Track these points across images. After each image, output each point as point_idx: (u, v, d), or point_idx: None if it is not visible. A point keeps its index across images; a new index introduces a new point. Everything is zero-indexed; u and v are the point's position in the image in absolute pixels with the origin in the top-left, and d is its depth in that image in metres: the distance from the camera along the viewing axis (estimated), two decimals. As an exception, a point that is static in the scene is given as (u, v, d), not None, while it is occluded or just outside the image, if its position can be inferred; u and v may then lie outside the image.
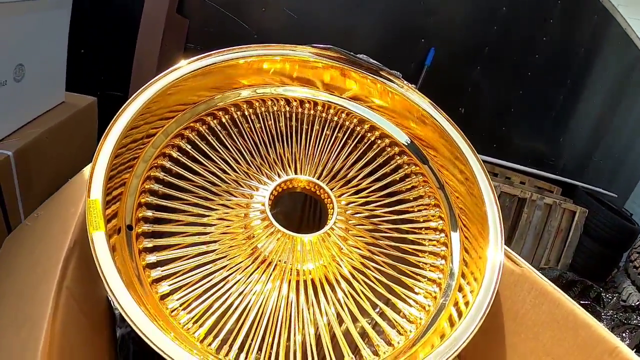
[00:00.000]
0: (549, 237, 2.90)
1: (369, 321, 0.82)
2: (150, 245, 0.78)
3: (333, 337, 0.77)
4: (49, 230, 0.83)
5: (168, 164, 0.87)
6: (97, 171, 0.72)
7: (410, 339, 0.79)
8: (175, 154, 0.88)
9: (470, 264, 0.87)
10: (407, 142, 0.99)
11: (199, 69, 0.90)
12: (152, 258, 0.77)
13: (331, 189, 0.87)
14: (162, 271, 0.76)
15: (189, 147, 0.90)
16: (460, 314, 0.78)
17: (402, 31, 2.11)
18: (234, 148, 0.91)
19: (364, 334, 0.81)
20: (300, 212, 1.05)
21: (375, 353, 0.77)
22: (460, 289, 0.85)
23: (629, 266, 2.47)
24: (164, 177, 0.86)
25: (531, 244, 2.83)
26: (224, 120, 0.94)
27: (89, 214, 0.67)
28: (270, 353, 0.73)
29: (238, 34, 1.94)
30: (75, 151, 1.50)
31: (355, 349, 0.78)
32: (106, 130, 0.78)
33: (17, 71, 1.13)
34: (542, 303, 0.93)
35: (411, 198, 0.95)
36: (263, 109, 0.97)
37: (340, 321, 0.79)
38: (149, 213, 0.82)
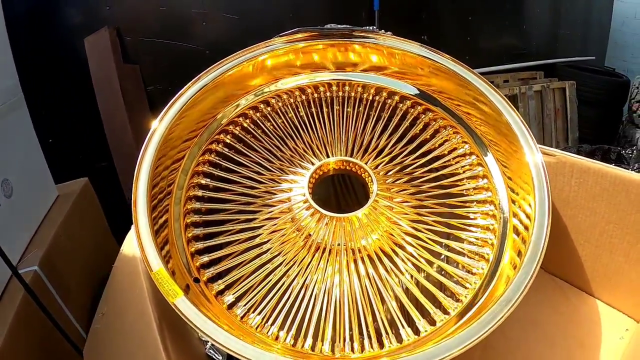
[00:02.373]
0: (550, 121, 2.94)
1: (443, 259, 0.85)
2: (222, 286, 0.80)
3: (423, 289, 0.80)
4: (127, 320, 0.82)
5: (198, 205, 0.88)
6: (146, 245, 0.73)
7: (491, 261, 0.81)
8: (203, 181, 0.90)
9: (514, 178, 0.89)
10: (415, 93, 1.00)
11: (192, 97, 0.89)
12: (230, 298, 0.79)
13: (365, 163, 0.88)
14: (244, 305, 0.78)
15: (213, 169, 0.91)
16: (527, 227, 0.79)
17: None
18: (255, 155, 0.93)
19: (446, 275, 0.84)
20: (333, 194, 1.07)
21: (464, 286, 0.80)
22: (514, 202, 0.87)
23: (633, 117, 2.52)
24: (200, 219, 0.87)
25: (537, 133, 2.87)
26: (236, 132, 0.95)
27: (161, 286, 0.68)
28: (377, 325, 0.76)
29: (190, 57, 1.90)
30: (90, 232, 1.50)
31: (443, 288, 0.81)
32: (133, 200, 0.78)
33: (5, 187, 1.11)
34: (586, 180, 0.97)
35: (428, 136, 0.97)
36: (269, 109, 0.97)
37: (420, 270, 0.82)
38: (205, 259, 0.82)
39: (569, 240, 1.01)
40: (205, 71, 0.94)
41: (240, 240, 0.84)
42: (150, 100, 1.94)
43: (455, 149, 0.96)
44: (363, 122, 0.95)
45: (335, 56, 1.01)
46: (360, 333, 0.75)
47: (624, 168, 1.23)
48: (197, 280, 0.79)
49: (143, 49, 1.90)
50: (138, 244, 0.72)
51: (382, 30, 1.01)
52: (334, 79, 1.01)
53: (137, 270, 0.80)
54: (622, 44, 3.79)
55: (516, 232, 0.83)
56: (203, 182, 0.90)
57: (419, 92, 0.99)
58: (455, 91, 0.96)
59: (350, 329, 0.75)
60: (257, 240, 0.84)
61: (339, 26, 1.01)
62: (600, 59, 3.55)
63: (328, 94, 0.99)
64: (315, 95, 0.99)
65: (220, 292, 0.79)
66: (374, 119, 0.96)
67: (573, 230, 1.01)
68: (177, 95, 0.90)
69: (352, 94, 1.00)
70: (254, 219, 0.86)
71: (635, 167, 1.92)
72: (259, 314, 0.77)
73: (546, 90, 2.84)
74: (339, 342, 0.74)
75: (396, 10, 2.24)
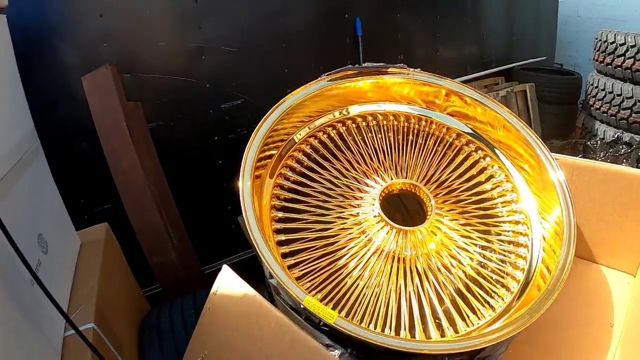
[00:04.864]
0: (516, 122, 3.40)
1: (491, 255, 1.15)
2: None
3: (480, 275, 1.09)
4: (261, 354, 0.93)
5: (280, 192, 1.13)
6: (284, 281, 0.92)
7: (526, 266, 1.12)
8: (289, 173, 1.15)
9: (537, 188, 1.20)
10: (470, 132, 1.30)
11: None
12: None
13: (428, 190, 1.16)
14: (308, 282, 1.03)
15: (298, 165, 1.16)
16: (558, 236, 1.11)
17: (327, 16, 2.38)
18: (337, 162, 1.19)
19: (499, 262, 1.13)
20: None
21: (517, 268, 1.11)
22: (543, 210, 1.18)
23: (591, 111, 3.00)
24: (280, 205, 1.12)
25: (508, 135, 3.30)
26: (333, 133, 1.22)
27: (318, 312, 0.87)
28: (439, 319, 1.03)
29: (191, 91, 2.09)
30: (120, 280, 1.60)
31: (500, 275, 1.11)
32: (251, 237, 0.97)
33: (41, 243, 1.13)
34: (584, 175, 1.31)
35: (483, 179, 1.26)
36: (353, 125, 1.25)
37: (480, 263, 1.12)
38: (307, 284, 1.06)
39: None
40: (317, 79, 1.21)
41: (313, 230, 1.09)
42: (153, 138, 2.07)
43: (504, 195, 1.24)
44: (431, 154, 1.24)
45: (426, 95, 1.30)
46: (424, 321, 1.00)
47: (591, 157, 1.61)
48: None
49: (143, 86, 2.04)
50: (281, 284, 0.91)
51: (412, 69, 1.31)
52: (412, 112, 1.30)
53: (260, 305, 0.94)
54: (567, 41, 4.41)
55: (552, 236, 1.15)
56: (288, 174, 1.15)
57: (478, 136, 1.29)
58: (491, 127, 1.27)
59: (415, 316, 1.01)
60: (327, 233, 1.08)
61: (375, 64, 1.29)
62: (550, 58, 4.12)
63: (405, 124, 1.27)
64: (396, 123, 1.26)
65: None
66: (441, 155, 1.25)
67: (576, 214, 1.35)
68: (280, 101, 1.16)
69: (427, 129, 1.28)
70: (328, 214, 1.11)
71: (602, 156, 2.35)
72: (319, 292, 1.02)
73: (510, 94, 3.29)
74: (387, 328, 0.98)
75: (376, 34, 2.57)
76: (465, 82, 3.30)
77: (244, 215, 0.97)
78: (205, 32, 2.08)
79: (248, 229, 0.95)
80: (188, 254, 2.18)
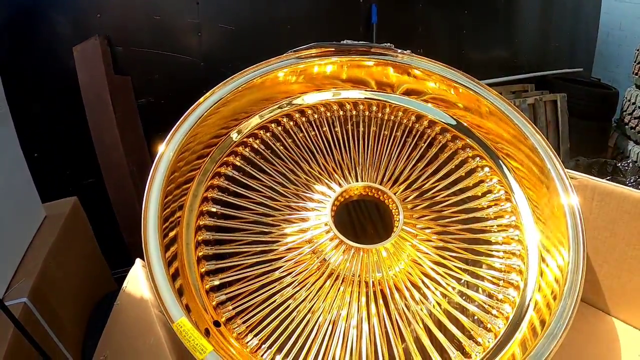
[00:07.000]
0: (543, 133, 2.99)
1: (471, 293, 0.84)
2: (243, 329, 0.76)
3: (451, 318, 0.78)
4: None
5: (213, 209, 0.86)
6: (164, 296, 0.68)
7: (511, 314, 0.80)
8: (223, 183, 0.86)
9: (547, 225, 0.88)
10: (454, 124, 0.99)
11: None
12: (254, 341, 0.75)
13: (394, 193, 0.86)
14: (258, 340, 0.75)
15: (236, 172, 0.90)
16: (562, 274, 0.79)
17: (339, 0, 2.11)
18: (282, 165, 0.91)
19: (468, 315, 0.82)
20: (348, 216, 1.04)
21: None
22: (546, 242, 0.86)
23: (625, 129, 2.57)
24: (214, 223, 0.84)
25: (531, 146, 2.91)
26: (265, 137, 0.94)
27: (186, 341, 0.63)
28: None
29: (184, 69, 1.87)
30: (81, 256, 1.45)
31: (478, 321, 0.80)
32: (144, 244, 0.74)
33: None
34: (608, 202, 0.97)
35: (464, 174, 0.95)
36: (303, 119, 0.96)
37: (452, 302, 0.80)
38: (222, 297, 0.78)
39: (587, 261, 1.02)
40: (240, 72, 0.98)
41: (251, 253, 0.82)
42: (142, 114, 1.87)
43: (490, 191, 0.94)
44: (398, 148, 0.93)
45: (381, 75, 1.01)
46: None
47: (620, 181, 1.22)
48: (217, 324, 0.75)
49: (134, 60, 1.84)
50: (158, 298, 0.68)
51: (406, 50, 1.01)
52: (374, 99, 1.00)
53: (149, 314, 0.76)
54: (607, 54, 3.90)
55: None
56: (223, 184, 0.89)
57: (456, 124, 0.98)
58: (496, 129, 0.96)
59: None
60: (270, 256, 0.82)
61: (355, 42, 1.00)
62: (587, 70, 3.65)
63: (367, 113, 0.97)
64: (354, 112, 0.97)
65: (242, 335, 0.76)
66: (411, 146, 0.94)
67: (591, 251, 1.01)
68: (197, 102, 0.95)
69: (392, 117, 0.98)
70: (270, 232, 0.84)
71: (632, 181, 1.96)
72: (256, 335, 0.75)
73: (539, 102, 2.89)
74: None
75: (393, 24, 2.25)
76: (491, 85, 2.92)
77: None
78: (203, 8, 1.84)
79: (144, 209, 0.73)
80: (166, 240, 1.96)
